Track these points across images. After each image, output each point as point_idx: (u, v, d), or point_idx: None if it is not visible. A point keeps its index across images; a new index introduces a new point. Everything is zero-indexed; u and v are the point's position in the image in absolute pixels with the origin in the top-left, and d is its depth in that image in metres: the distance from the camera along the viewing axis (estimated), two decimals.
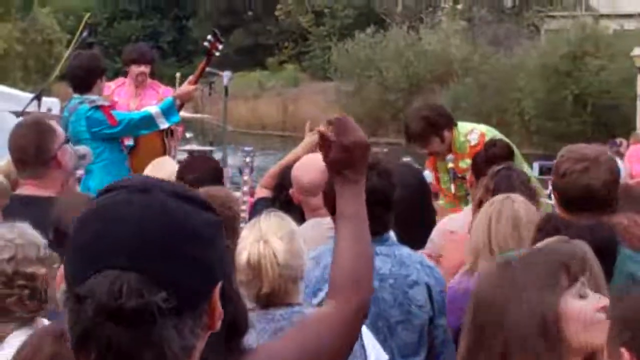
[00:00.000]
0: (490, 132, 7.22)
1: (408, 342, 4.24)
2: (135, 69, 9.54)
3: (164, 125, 7.94)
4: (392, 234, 4.40)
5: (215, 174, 5.69)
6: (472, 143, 7.03)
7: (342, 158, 2.58)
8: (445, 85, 45.76)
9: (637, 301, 2.46)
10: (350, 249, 2.46)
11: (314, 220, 4.72)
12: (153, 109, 7.98)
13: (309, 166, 4.86)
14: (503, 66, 44.94)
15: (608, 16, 48.56)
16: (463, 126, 7.18)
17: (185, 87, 8.25)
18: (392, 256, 4.29)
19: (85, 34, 11.02)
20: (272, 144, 49.15)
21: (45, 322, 3.36)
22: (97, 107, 7.76)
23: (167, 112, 7.85)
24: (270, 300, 3.52)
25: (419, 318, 4.25)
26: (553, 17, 51.93)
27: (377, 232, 3.87)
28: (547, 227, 3.67)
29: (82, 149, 6.48)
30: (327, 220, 4.52)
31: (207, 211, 1.78)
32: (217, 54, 8.17)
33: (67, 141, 5.18)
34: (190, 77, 8.30)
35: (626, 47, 32.44)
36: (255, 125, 57.87)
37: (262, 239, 3.48)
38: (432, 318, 4.29)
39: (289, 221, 3.63)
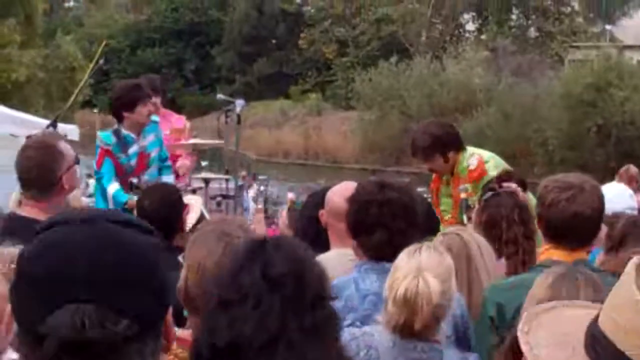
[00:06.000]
0: (491, 158, 7.13)
1: None
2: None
3: (110, 205, 7.86)
4: None
5: (171, 203, 5.59)
6: (471, 167, 6.98)
7: None
8: (469, 114, 45.70)
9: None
10: None
11: (338, 251, 4.66)
12: (113, 189, 7.85)
13: (342, 191, 4.80)
14: (526, 96, 44.88)
15: (632, 47, 48.50)
16: (466, 151, 7.12)
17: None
18: None
19: (101, 61, 11.04)
20: (294, 172, 49.22)
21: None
22: (99, 146, 7.83)
23: (115, 202, 7.77)
24: (415, 334, 3.50)
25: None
26: (577, 47, 51.91)
27: (391, 253, 3.75)
28: None
29: None
30: (351, 252, 4.46)
31: (149, 234, 1.77)
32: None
33: (77, 162, 5.08)
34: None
35: None
36: (278, 153, 57.99)
37: (420, 274, 3.44)
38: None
39: (446, 257, 3.58)
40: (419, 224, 4.17)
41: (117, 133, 7.86)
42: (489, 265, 4.44)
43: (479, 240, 4.53)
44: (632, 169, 12.10)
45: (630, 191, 11.18)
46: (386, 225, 3.99)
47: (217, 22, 72.96)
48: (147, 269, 1.71)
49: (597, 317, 1.84)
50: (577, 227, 3.99)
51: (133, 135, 7.88)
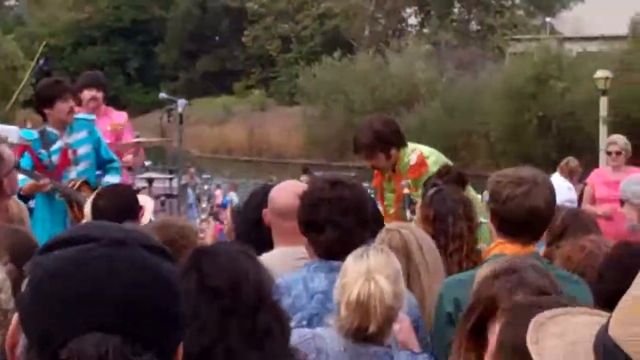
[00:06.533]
0: (432, 154, 7.15)
1: None
2: (87, 94, 9.35)
3: None
4: None
5: (128, 204, 5.55)
6: (412, 163, 7.01)
7: None
8: (412, 108, 45.96)
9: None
10: None
11: (282, 250, 4.65)
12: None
13: (287, 190, 4.79)
14: (468, 89, 45.22)
15: (571, 39, 49.01)
16: (408, 147, 7.14)
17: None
18: None
19: (42, 61, 10.95)
20: (239, 168, 49.12)
21: None
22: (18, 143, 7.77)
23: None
24: (368, 338, 3.48)
25: None
26: (518, 40, 52.33)
27: (339, 252, 3.78)
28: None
29: None
30: (298, 251, 4.46)
31: (170, 261, 1.70)
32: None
33: (16, 167, 5.04)
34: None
35: (589, 70, 32.67)
36: (222, 150, 57.85)
37: (371, 276, 3.43)
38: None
39: (393, 258, 3.58)
40: (370, 222, 4.19)
41: (41, 131, 7.81)
42: (430, 262, 4.46)
43: (420, 236, 4.54)
44: (572, 161, 12.25)
45: (569, 184, 11.35)
46: (336, 224, 3.97)
47: (159, 20, 72.54)
48: (174, 300, 1.64)
49: (607, 325, 1.81)
50: (532, 221, 4.00)
51: (56, 132, 7.82)
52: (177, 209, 12.68)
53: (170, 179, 13.06)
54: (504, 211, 4.03)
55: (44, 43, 10.71)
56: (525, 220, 3.99)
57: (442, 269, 4.50)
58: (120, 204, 5.40)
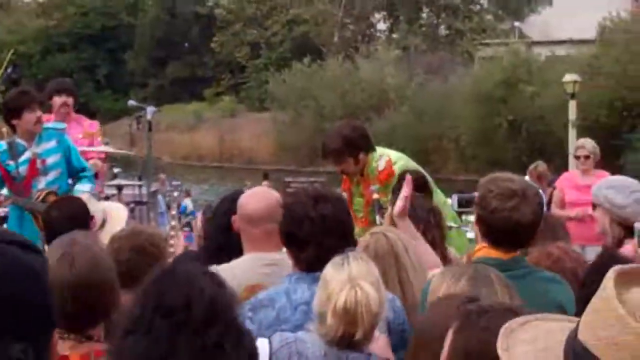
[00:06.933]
0: (400, 159, 7.19)
1: None
2: (57, 100, 9.33)
3: None
4: None
5: (79, 214, 5.62)
6: (380, 168, 7.05)
7: None
8: (382, 113, 46.05)
9: (480, 333, 2.42)
10: None
11: (251, 256, 4.65)
12: None
13: (257, 196, 4.80)
14: (438, 94, 45.37)
15: (540, 43, 49.26)
16: (376, 152, 7.17)
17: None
18: None
19: (10, 69, 10.91)
20: (210, 175, 49.06)
21: None
22: None
23: None
24: (353, 344, 3.50)
25: None
26: (487, 44, 52.55)
27: (321, 266, 3.78)
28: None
29: None
30: (268, 257, 4.44)
31: (41, 257, 1.75)
32: None
33: None
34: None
35: (558, 74, 32.82)
36: (192, 156, 57.76)
37: (355, 283, 3.45)
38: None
39: (372, 264, 3.60)
40: (351, 238, 4.20)
41: (10, 142, 7.79)
42: (415, 262, 4.48)
43: (404, 238, 4.56)
44: (541, 166, 12.31)
45: (538, 189, 11.40)
46: (318, 242, 3.98)
47: (128, 27, 72.27)
48: (43, 292, 1.69)
49: (575, 331, 1.85)
50: (518, 234, 4.05)
51: (24, 143, 7.79)
52: (147, 216, 12.65)
53: (140, 186, 13.03)
54: (489, 221, 4.07)
55: (12, 50, 10.64)
56: (512, 232, 4.04)
57: (426, 269, 4.52)
58: (71, 214, 5.51)
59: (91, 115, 10.88)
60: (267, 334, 3.81)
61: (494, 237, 4.09)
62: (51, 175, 7.86)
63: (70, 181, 8.02)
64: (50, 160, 7.88)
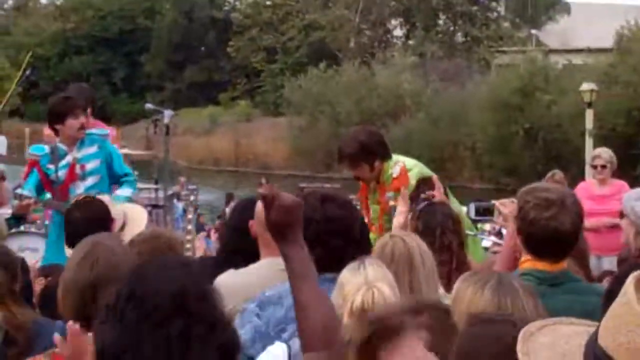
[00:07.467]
0: (415, 167, 7.16)
1: None
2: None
3: None
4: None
5: (100, 216, 5.70)
6: (394, 176, 7.02)
7: (283, 218, 2.94)
8: (398, 119, 45.98)
9: (475, 337, 2.42)
10: (317, 310, 2.83)
11: (269, 260, 4.66)
12: None
13: None
14: (454, 101, 45.25)
15: (557, 51, 49.16)
16: (391, 159, 7.14)
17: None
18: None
19: (28, 71, 10.95)
20: (226, 179, 49.08)
21: None
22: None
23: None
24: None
25: None
26: (504, 52, 52.49)
27: (330, 267, 3.79)
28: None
29: None
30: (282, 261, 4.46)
31: None
32: None
33: (2, 178, 5.07)
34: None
35: (575, 82, 32.74)
36: (208, 160, 57.78)
37: (372, 285, 3.46)
38: None
39: (387, 270, 3.61)
40: (358, 239, 4.18)
41: (52, 146, 7.89)
42: (428, 272, 4.47)
43: (422, 245, 4.55)
44: (558, 174, 12.23)
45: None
46: (325, 244, 3.98)
47: (145, 30, 72.48)
48: None
49: (595, 335, 1.84)
50: (558, 243, 4.03)
51: (65, 148, 7.86)
52: (164, 220, 12.67)
53: (156, 190, 13.05)
54: (528, 231, 4.05)
55: (30, 53, 10.67)
56: (552, 241, 4.02)
57: (438, 281, 4.51)
58: (92, 216, 5.61)
59: (107, 119, 10.89)
60: (275, 331, 3.83)
61: (534, 248, 4.06)
62: (90, 181, 7.91)
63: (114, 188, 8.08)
64: (90, 165, 7.94)
